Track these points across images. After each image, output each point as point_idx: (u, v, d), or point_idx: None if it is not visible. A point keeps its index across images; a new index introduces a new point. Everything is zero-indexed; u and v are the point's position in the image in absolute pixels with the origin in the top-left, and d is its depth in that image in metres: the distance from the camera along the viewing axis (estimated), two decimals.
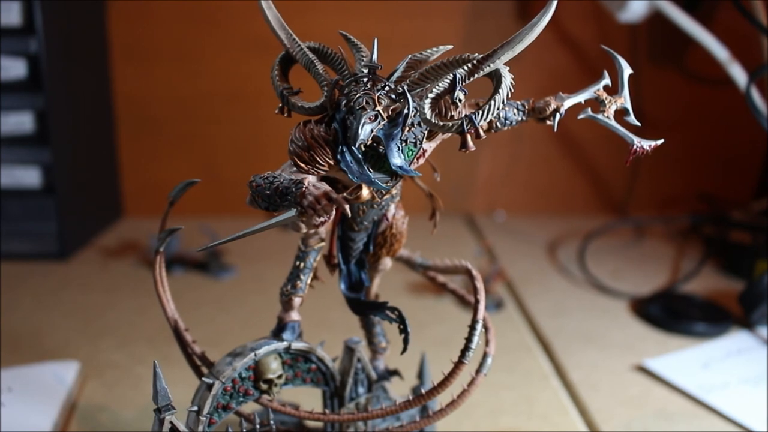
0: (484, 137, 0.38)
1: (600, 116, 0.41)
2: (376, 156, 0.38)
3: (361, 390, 0.50)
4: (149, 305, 0.87)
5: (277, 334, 0.46)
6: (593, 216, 1.30)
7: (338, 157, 0.37)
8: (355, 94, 0.37)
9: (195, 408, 0.43)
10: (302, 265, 0.46)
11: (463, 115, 0.37)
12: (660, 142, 0.41)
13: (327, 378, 0.49)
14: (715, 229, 1.14)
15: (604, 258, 1.09)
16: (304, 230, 0.45)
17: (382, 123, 0.37)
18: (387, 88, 0.37)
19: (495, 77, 0.37)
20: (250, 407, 0.49)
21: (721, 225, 1.11)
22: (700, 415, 0.65)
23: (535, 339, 0.82)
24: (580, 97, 0.42)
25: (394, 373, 0.53)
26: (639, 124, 0.41)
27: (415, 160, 0.40)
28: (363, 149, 0.38)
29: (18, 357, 0.71)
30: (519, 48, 0.36)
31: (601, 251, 1.11)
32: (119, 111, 1.23)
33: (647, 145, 0.40)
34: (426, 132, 0.39)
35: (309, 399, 0.55)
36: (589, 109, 0.41)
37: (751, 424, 0.62)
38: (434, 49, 0.42)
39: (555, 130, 0.42)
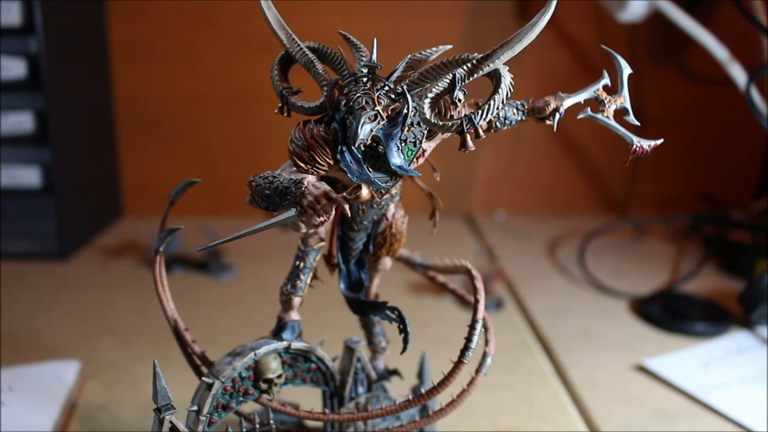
0: (484, 137, 0.38)
1: (599, 116, 0.41)
2: (375, 156, 0.39)
3: (360, 390, 0.50)
4: (149, 305, 0.87)
5: (276, 333, 0.46)
6: (593, 216, 1.30)
7: (338, 156, 0.37)
8: (355, 94, 0.37)
9: (195, 407, 0.43)
10: (302, 264, 0.46)
11: (462, 115, 0.37)
12: (659, 141, 0.41)
13: (327, 378, 0.49)
14: (715, 229, 1.14)
15: (604, 258, 1.09)
16: (304, 230, 0.45)
17: (381, 123, 0.37)
18: (386, 88, 0.37)
19: (494, 77, 0.38)
20: (249, 407, 0.49)
21: (721, 225, 1.11)
22: (699, 414, 0.65)
23: (535, 338, 0.82)
24: (580, 97, 0.42)
25: (394, 372, 0.53)
26: (638, 123, 0.41)
27: (414, 159, 0.40)
28: (362, 149, 0.38)
29: (18, 357, 0.71)
30: (518, 48, 0.36)
31: (601, 251, 1.11)
32: (119, 111, 1.23)
33: (647, 144, 0.40)
34: (425, 132, 0.39)
35: (309, 399, 0.55)
36: (589, 109, 0.41)
37: (751, 424, 0.62)
38: (434, 48, 0.42)
39: (554, 129, 0.42)
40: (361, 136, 0.36)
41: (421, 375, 0.54)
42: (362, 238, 0.47)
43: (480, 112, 0.37)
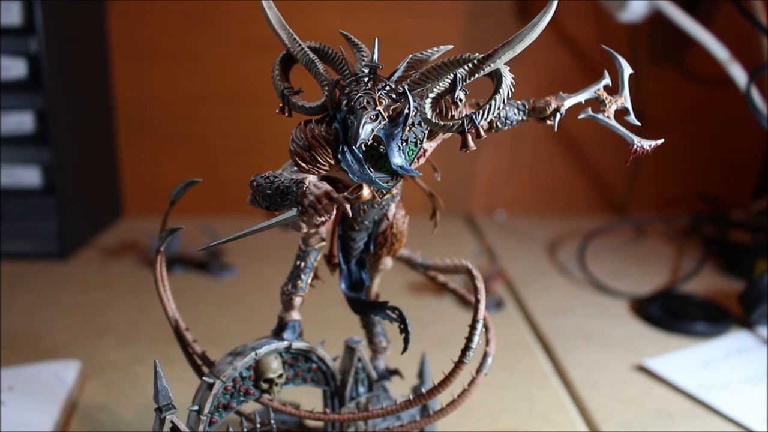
0: (485, 137, 0.38)
1: (600, 116, 0.41)
2: (376, 155, 0.39)
3: (361, 389, 0.50)
4: (149, 305, 0.87)
5: (277, 333, 0.46)
6: (593, 216, 1.30)
7: (339, 156, 0.37)
8: (356, 94, 0.37)
9: (196, 407, 0.43)
10: (303, 264, 0.46)
11: (463, 115, 0.37)
12: (660, 141, 0.41)
13: (327, 377, 0.49)
14: (715, 229, 1.14)
15: (604, 258, 1.09)
16: (305, 230, 0.45)
17: (382, 122, 0.37)
18: (388, 88, 0.37)
19: (495, 77, 0.38)
20: (250, 406, 0.49)
21: (721, 225, 1.12)
22: (700, 414, 0.65)
23: (535, 338, 0.82)
24: (581, 97, 0.42)
25: (395, 372, 0.53)
26: (639, 123, 0.41)
27: (415, 159, 0.40)
28: (364, 149, 0.38)
29: (18, 356, 0.71)
30: (519, 48, 0.36)
31: (601, 251, 1.11)
32: (119, 111, 1.23)
33: (647, 144, 0.40)
34: (426, 132, 0.39)
35: (309, 398, 0.55)
36: (590, 109, 0.41)
37: (751, 424, 0.62)
38: (435, 48, 0.42)
39: (555, 129, 0.42)
40: (362, 136, 0.36)
41: (421, 375, 0.54)
42: (363, 238, 0.47)
43: (481, 112, 0.37)
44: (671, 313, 0.85)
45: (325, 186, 0.35)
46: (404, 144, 0.38)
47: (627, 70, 0.42)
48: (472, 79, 0.37)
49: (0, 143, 0.99)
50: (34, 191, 1.01)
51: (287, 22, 0.41)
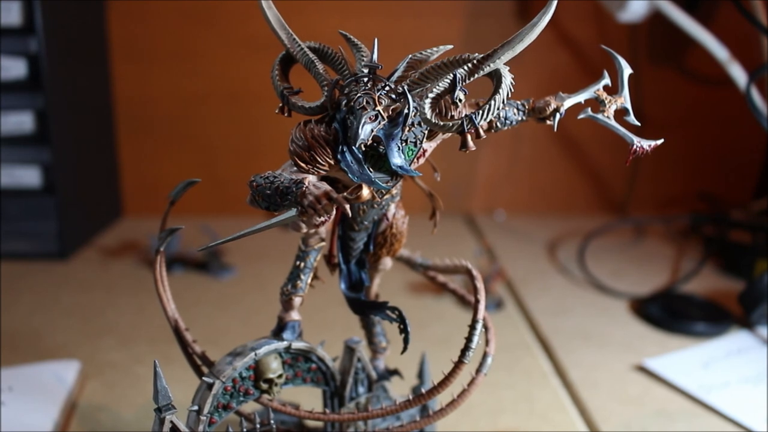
0: (484, 137, 0.38)
1: (600, 116, 0.41)
2: (376, 156, 0.39)
3: (361, 390, 0.50)
4: (149, 305, 0.87)
5: (277, 333, 0.46)
6: (593, 216, 1.30)
7: (338, 156, 0.37)
8: (356, 94, 0.37)
9: (195, 407, 0.43)
10: (302, 264, 0.46)
11: (463, 115, 0.37)
12: (660, 141, 0.41)
13: (327, 378, 0.49)
14: (715, 228, 1.14)
15: (604, 258, 1.09)
16: (305, 230, 0.45)
17: (382, 123, 0.37)
18: (387, 88, 0.37)
19: (495, 77, 0.38)
20: (250, 407, 0.49)
21: (721, 225, 1.11)
22: (700, 414, 0.65)
23: (535, 338, 0.82)
24: (580, 97, 0.42)
25: (395, 372, 0.53)
26: (639, 123, 0.41)
27: (415, 159, 0.40)
28: (363, 149, 0.38)
29: (18, 356, 0.71)
30: (519, 48, 0.36)
31: (601, 251, 1.11)
32: (119, 111, 1.23)
33: (647, 144, 0.40)
34: (426, 132, 0.39)
35: (309, 399, 0.55)
36: (589, 109, 0.41)
37: (751, 424, 0.62)
38: (434, 48, 0.42)
39: (555, 129, 0.42)
40: (361, 136, 0.36)
41: (421, 375, 0.54)
42: (363, 238, 0.47)
43: (481, 112, 0.37)
44: (671, 313, 0.85)
45: (325, 186, 0.35)
46: (404, 144, 0.38)
47: (627, 70, 0.42)
48: (471, 79, 0.37)
49: (0, 143, 0.99)
50: (34, 191, 1.01)
51: (286, 22, 0.41)
